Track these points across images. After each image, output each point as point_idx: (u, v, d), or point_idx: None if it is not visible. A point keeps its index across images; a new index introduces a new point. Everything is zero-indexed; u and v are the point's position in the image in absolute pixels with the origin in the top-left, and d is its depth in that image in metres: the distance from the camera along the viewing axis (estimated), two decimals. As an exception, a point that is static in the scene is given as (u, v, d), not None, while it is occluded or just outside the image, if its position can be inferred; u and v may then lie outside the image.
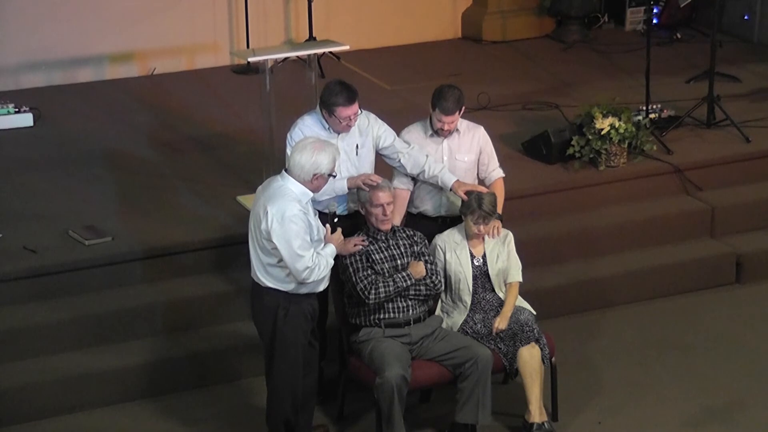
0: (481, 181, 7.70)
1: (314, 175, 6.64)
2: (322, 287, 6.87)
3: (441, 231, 7.51)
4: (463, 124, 7.62)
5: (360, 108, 7.27)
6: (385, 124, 7.49)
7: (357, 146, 7.35)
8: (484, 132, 7.70)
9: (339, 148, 7.22)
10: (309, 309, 6.84)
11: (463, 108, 7.52)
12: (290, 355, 6.83)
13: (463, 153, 7.59)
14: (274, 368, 6.88)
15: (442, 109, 7.41)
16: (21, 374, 7.50)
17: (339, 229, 6.85)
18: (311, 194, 6.71)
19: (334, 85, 7.23)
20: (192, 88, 11.26)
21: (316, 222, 6.75)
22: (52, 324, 7.68)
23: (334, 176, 6.82)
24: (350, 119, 7.20)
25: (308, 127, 7.26)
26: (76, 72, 11.44)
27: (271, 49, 10.26)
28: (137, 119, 10.47)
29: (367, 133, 7.39)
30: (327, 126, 7.26)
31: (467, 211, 7.33)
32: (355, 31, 11.95)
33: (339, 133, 7.29)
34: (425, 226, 7.56)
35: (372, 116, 7.46)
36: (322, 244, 6.78)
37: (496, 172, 7.70)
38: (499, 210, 7.45)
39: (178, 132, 10.16)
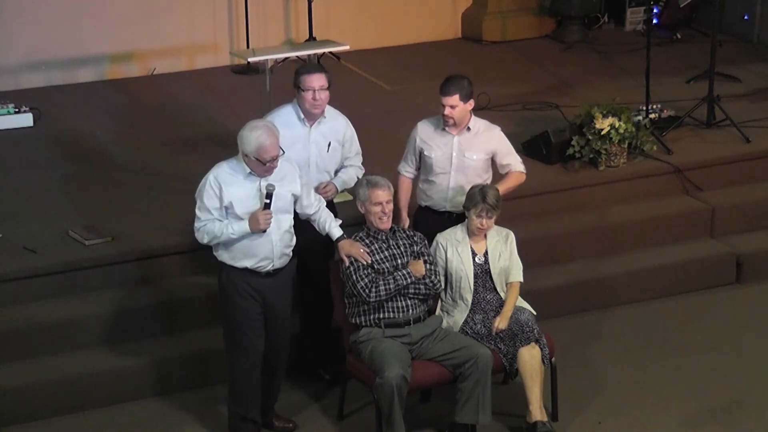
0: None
1: (243, 154, 6.74)
2: (245, 263, 6.85)
3: (448, 226, 7.52)
4: (481, 124, 7.66)
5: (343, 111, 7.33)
6: (357, 140, 7.61)
7: (329, 144, 7.43)
8: (500, 132, 7.72)
9: (310, 140, 7.35)
10: (243, 285, 6.88)
11: (472, 101, 7.53)
12: (229, 327, 6.99)
13: (473, 151, 7.61)
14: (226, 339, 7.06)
15: (441, 90, 7.51)
16: (21, 374, 7.49)
17: (268, 211, 6.77)
18: (248, 169, 6.75)
19: (298, 67, 7.48)
20: (192, 88, 11.26)
21: (240, 196, 6.75)
22: (51, 324, 7.68)
23: (263, 163, 6.69)
24: (315, 91, 7.27)
25: (282, 116, 7.35)
26: (76, 72, 11.45)
27: (271, 49, 10.28)
28: (137, 119, 10.47)
29: (342, 134, 7.50)
30: (302, 116, 7.35)
31: (471, 204, 7.32)
32: (355, 31, 11.96)
33: (311, 126, 7.37)
34: (433, 220, 7.63)
35: (349, 124, 7.56)
36: (240, 221, 6.79)
37: (515, 167, 7.72)
38: (502, 191, 7.44)
39: (178, 132, 10.16)
